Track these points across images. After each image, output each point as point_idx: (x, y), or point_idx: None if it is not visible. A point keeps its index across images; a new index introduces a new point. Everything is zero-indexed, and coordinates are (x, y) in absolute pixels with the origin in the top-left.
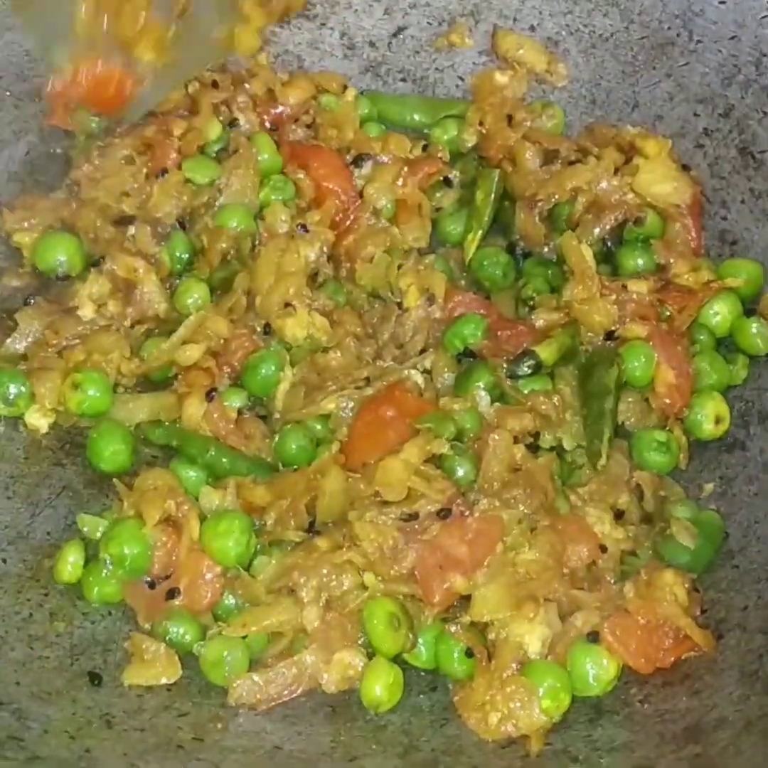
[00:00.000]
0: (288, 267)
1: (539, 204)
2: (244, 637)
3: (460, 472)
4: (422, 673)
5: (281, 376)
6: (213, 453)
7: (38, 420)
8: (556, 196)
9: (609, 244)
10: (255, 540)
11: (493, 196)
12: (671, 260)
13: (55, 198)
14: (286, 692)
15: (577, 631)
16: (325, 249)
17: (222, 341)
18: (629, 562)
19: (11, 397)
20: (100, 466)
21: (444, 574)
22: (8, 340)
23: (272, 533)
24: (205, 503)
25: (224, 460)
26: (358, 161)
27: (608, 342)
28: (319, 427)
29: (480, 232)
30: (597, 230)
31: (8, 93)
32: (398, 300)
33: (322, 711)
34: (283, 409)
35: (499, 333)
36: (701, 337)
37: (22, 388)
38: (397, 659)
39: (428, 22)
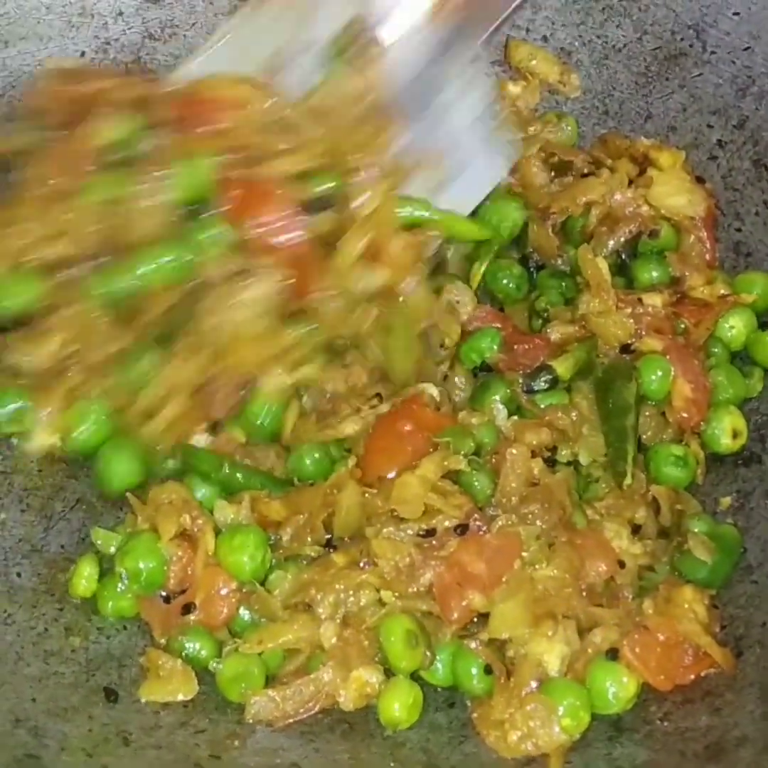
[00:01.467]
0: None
1: (552, 216)
2: (260, 654)
3: (477, 487)
4: (439, 690)
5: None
6: (227, 470)
7: (46, 439)
8: (570, 210)
9: (623, 256)
10: (270, 555)
11: None
12: (686, 273)
13: None
14: (302, 709)
15: (596, 648)
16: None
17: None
18: (647, 578)
19: (13, 415)
20: (113, 488)
21: (462, 591)
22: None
23: (289, 549)
24: (219, 517)
25: (239, 475)
26: None
27: (624, 355)
28: (334, 449)
29: (486, 263)
30: (611, 243)
31: (21, 103)
32: None
33: (339, 728)
34: (296, 436)
35: (515, 346)
36: (716, 351)
37: (27, 405)
38: (413, 676)
39: None
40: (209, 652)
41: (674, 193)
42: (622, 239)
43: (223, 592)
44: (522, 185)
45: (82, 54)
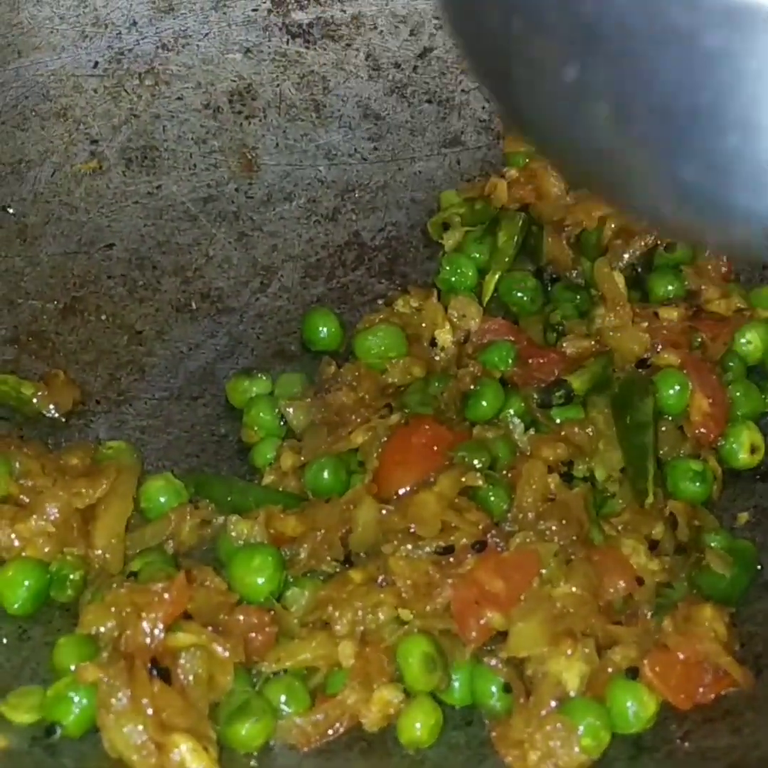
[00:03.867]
0: None
1: (567, 229)
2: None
3: (493, 502)
4: (457, 708)
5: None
6: (237, 492)
7: None
8: (584, 223)
9: (638, 269)
10: (284, 573)
11: (516, 239)
12: (702, 286)
13: None
14: (330, 731)
15: (616, 666)
16: None
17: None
18: (665, 595)
19: None
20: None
21: (480, 609)
22: None
23: (306, 565)
24: (234, 534)
25: (250, 499)
26: None
27: (640, 370)
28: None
29: (499, 273)
30: (627, 256)
31: (33, 113)
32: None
33: (357, 746)
34: (306, 451)
35: (529, 360)
36: (732, 365)
37: None
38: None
39: (454, 44)
40: None
41: None
42: (638, 252)
43: None
44: (537, 197)
45: (96, 64)
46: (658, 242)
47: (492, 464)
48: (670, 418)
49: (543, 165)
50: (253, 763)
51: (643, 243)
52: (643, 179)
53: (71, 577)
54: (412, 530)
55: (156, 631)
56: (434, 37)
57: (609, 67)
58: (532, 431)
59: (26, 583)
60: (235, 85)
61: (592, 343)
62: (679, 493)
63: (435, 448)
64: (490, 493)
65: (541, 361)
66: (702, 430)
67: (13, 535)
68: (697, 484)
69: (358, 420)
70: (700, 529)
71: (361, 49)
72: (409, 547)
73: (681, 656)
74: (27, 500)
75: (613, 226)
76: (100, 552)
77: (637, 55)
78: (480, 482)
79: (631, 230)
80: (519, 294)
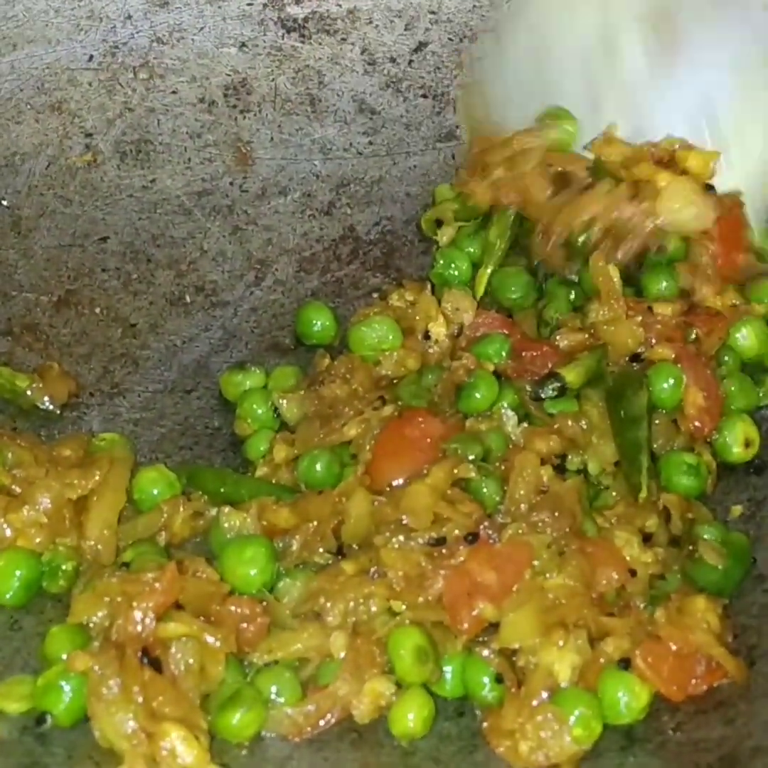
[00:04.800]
0: None
1: (556, 232)
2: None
3: (486, 494)
4: (449, 699)
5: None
6: (230, 484)
7: None
8: (572, 225)
9: (630, 267)
10: (276, 565)
11: (507, 235)
12: (696, 284)
13: None
14: (322, 722)
15: (608, 657)
16: None
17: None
18: (658, 586)
19: None
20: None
21: (472, 601)
22: None
23: (298, 557)
24: (226, 525)
25: (243, 491)
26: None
27: (634, 364)
28: (343, 455)
29: (491, 268)
30: (618, 256)
31: (28, 106)
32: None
33: (348, 737)
34: (300, 443)
35: (523, 353)
36: (727, 359)
37: None
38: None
39: (449, 38)
40: None
41: (681, 207)
42: (629, 254)
43: None
44: (524, 200)
45: (91, 58)
46: (650, 245)
47: (485, 456)
48: (664, 411)
49: (527, 171)
50: (244, 752)
51: (632, 246)
52: None
53: (63, 567)
54: (404, 522)
55: (147, 621)
56: (429, 32)
57: None
58: (525, 424)
59: (18, 573)
60: (230, 79)
61: (586, 336)
62: (672, 487)
63: (428, 440)
64: (483, 485)
65: (535, 354)
66: (696, 423)
67: (5, 525)
68: (691, 477)
69: (352, 412)
70: (693, 521)
71: (357, 43)
72: (402, 538)
73: (674, 647)
74: (19, 490)
75: (600, 228)
76: (92, 543)
77: None
78: (473, 474)
79: (620, 233)
80: (512, 289)
